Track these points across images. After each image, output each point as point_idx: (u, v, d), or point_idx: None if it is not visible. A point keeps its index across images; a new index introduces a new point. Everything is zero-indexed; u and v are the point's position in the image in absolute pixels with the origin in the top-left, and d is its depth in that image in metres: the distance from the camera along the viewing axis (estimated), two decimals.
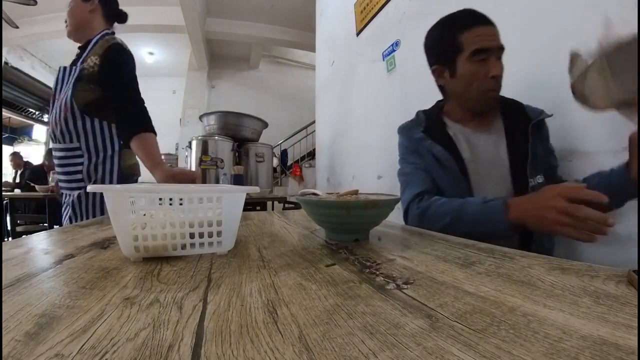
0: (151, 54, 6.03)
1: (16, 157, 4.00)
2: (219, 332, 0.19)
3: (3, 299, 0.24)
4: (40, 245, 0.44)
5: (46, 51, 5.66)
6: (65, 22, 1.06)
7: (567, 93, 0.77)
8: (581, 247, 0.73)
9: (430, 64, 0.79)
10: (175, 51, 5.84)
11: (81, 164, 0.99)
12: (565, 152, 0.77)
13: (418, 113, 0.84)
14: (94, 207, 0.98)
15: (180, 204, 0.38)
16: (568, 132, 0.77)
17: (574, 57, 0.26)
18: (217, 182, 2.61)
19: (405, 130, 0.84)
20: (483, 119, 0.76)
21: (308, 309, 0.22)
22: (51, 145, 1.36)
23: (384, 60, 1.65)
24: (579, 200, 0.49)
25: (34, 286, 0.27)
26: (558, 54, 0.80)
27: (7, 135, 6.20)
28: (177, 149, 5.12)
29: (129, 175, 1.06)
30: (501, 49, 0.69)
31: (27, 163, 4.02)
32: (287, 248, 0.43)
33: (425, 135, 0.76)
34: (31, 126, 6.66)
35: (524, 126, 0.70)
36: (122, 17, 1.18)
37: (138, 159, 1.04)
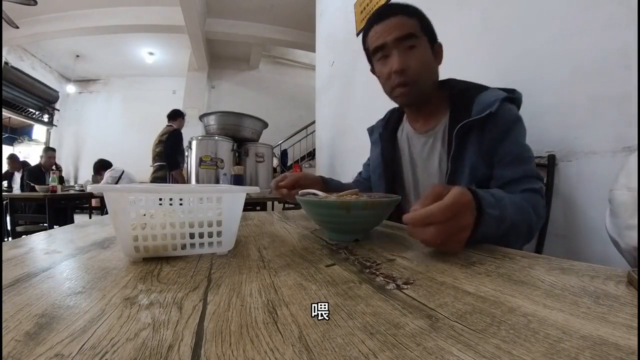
0: (151, 54, 6.03)
1: (14, 160, 3.89)
2: (219, 332, 0.19)
3: (3, 299, 0.24)
4: (40, 245, 0.44)
5: (46, 51, 5.66)
6: None
7: (567, 92, 0.77)
8: (579, 247, 0.73)
9: None
10: (175, 51, 5.84)
11: None
12: (564, 153, 0.77)
13: (387, 112, 0.85)
14: None
15: (180, 204, 0.38)
16: (568, 132, 0.77)
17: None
18: (217, 182, 2.61)
19: (369, 131, 0.90)
20: (429, 118, 0.69)
21: (308, 309, 0.22)
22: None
23: None
24: None
25: (34, 286, 0.27)
26: (559, 54, 0.80)
27: (7, 135, 6.19)
28: None
29: None
30: (401, 39, 0.60)
31: (25, 163, 3.95)
32: (287, 248, 0.43)
33: (378, 138, 0.81)
34: (31, 126, 6.65)
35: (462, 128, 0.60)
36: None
37: None
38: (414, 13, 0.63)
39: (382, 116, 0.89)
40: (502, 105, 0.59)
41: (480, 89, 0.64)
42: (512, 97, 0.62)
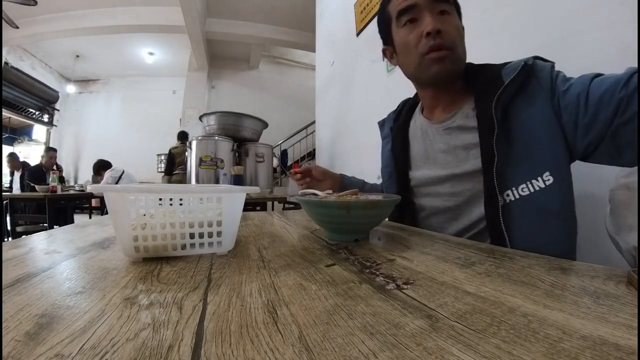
0: (151, 54, 6.04)
1: (13, 159, 3.86)
2: (219, 333, 0.19)
3: (3, 299, 0.24)
4: (40, 245, 0.44)
5: (46, 51, 5.66)
6: None
7: None
8: (579, 247, 0.73)
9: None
10: (175, 51, 5.85)
11: None
12: None
13: (400, 103, 0.77)
14: None
15: (180, 204, 0.38)
16: None
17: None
18: (217, 182, 2.61)
19: (379, 124, 0.82)
20: (449, 104, 0.60)
21: (308, 309, 0.22)
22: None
23: (383, 60, 1.65)
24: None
25: (34, 286, 0.27)
26: (559, 54, 0.80)
27: (7, 135, 6.20)
28: None
29: None
30: (438, 1, 0.53)
31: (25, 163, 3.92)
32: (287, 248, 0.43)
33: (389, 132, 0.74)
34: (31, 126, 6.65)
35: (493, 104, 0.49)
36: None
37: None
38: None
39: (381, 116, 0.84)
40: (536, 61, 0.51)
41: (501, 65, 0.55)
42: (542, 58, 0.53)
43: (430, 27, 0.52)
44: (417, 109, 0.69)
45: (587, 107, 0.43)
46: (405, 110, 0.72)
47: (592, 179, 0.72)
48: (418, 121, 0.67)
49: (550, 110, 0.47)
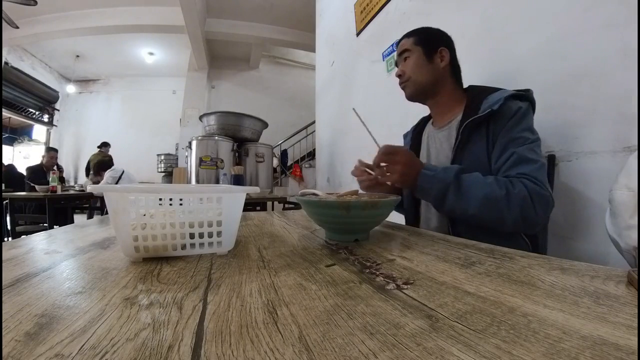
0: (151, 54, 6.04)
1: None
2: (219, 333, 0.19)
3: (3, 299, 0.24)
4: (40, 245, 0.44)
5: (46, 51, 5.66)
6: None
7: (566, 92, 0.77)
8: (579, 247, 0.73)
9: None
10: (175, 51, 5.84)
11: None
12: (565, 153, 0.77)
13: (420, 119, 0.96)
14: None
15: (180, 204, 0.38)
16: (568, 132, 0.77)
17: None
18: (217, 182, 2.61)
19: (404, 136, 1.00)
20: (446, 113, 0.80)
21: (308, 309, 0.22)
22: None
23: (384, 60, 1.65)
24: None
25: (34, 286, 0.27)
26: (559, 54, 0.80)
27: (7, 135, 6.20)
28: (177, 149, 5.12)
29: None
30: (400, 54, 0.81)
31: (11, 166, 3.78)
32: (287, 248, 0.43)
33: (409, 141, 0.92)
34: (31, 126, 6.65)
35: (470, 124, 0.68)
36: None
37: None
38: (411, 34, 0.81)
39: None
40: (505, 103, 0.65)
41: (493, 90, 0.71)
42: (519, 94, 0.67)
43: (396, 74, 0.82)
44: (429, 122, 0.90)
45: (494, 160, 0.66)
46: (421, 124, 0.93)
47: (591, 183, 0.72)
48: (427, 129, 0.88)
49: (490, 142, 0.67)
